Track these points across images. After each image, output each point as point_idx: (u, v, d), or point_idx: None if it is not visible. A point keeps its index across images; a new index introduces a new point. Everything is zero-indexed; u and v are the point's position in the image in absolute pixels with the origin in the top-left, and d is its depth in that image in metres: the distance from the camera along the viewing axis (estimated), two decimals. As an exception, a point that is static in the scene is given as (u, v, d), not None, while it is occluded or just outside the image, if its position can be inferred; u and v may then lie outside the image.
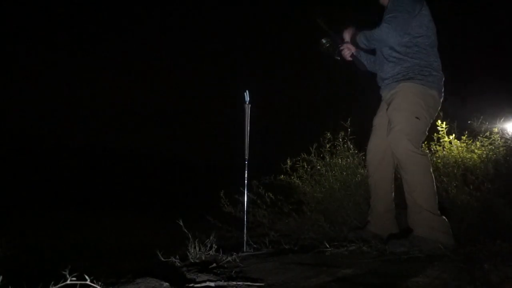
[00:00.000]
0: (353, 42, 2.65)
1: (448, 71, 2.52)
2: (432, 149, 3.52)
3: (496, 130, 3.41)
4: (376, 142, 2.62)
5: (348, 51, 2.70)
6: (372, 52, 2.76)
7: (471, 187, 3.06)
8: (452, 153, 3.39)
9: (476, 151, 3.35)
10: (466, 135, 3.47)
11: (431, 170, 2.33)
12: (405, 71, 2.43)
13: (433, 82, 2.41)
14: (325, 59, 2.78)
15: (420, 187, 2.28)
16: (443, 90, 2.48)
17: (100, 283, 1.29)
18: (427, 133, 2.46)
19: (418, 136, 2.37)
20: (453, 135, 3.46)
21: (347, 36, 2.69)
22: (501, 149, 3.27)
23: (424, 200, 2.26)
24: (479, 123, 3.52)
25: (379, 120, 2.64)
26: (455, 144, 3.40)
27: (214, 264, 1.95)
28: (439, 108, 2.51)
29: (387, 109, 2.50)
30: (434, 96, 2.42)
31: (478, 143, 3.39)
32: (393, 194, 2.63)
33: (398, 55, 2.46)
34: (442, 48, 2.52)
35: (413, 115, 2.35)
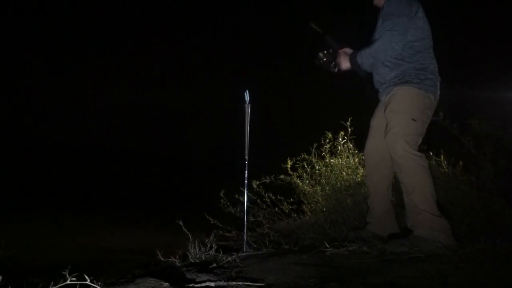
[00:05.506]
0: (353, 63, 2.56)
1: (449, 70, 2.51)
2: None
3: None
4: (374, 143, 2.61)
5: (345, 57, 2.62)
6: None
7: (471, 186, 3.05)
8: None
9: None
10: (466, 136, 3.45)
11: (428, 171, 2.33)
12: (402, 75, 2.43)
13: (429, 85, 2.41)
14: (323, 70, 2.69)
15: (418, 188, 2.27)
16: (438, 93, 2.48)
17: (100, 283, 1.30)
18: (424, 135, 2.45)
19: (415, 137, 2.36)
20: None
21: (343, 59, 2.58)
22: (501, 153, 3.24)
23: (422, 201, 2.25)
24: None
25: (377, 121, 2.62)
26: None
27: (214, 264, 1.96)
28: (434, 110, 2.51)
29: (384, 110, 2.50)
30: (430, 99, 2.42)
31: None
32: (391, 194, 2.63)
33: (393, 60, 2.46)
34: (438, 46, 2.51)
35: (410, 117, 2.35)
